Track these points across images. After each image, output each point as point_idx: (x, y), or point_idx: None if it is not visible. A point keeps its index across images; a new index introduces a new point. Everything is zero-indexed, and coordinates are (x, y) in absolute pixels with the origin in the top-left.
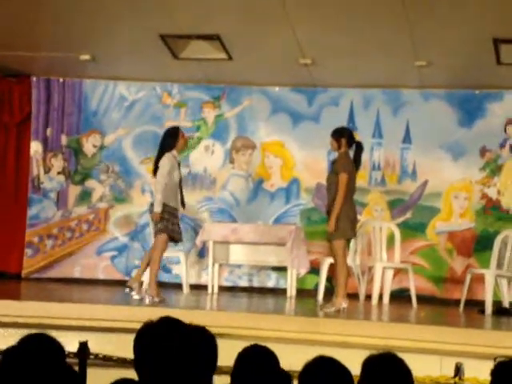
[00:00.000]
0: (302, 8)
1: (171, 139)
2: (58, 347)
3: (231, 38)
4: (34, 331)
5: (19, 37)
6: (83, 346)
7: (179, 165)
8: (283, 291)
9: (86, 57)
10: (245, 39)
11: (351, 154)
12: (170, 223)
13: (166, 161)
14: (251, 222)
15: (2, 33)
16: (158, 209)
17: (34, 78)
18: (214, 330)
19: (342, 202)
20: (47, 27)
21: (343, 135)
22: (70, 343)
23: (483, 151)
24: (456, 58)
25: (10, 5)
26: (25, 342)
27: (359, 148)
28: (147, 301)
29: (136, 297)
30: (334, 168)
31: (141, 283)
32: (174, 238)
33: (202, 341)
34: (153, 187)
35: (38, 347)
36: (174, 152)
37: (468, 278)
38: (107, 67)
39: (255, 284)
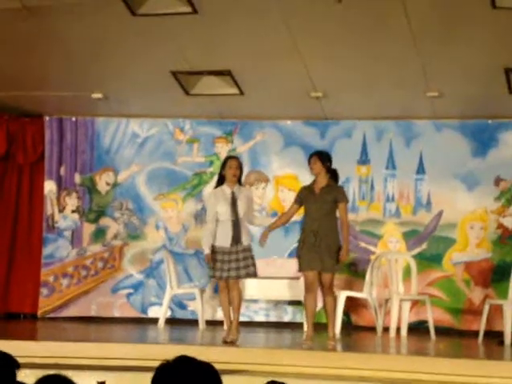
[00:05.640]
0: (313, 42)
1: (220, 170)
2: None
3: (242, 73)
4: (50, 372)
5: (31, 76)
6: None
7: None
8: (300, 325)
9: (97, 95)
10: (256, 74)
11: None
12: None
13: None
14: (266, 256)
15: (14, 73)
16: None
17: (47, 118)
18: (231, 367)
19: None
20: (59, 66)
21: (329, 160)
22: (87, 383)
23: (497, 181)
24: (468, 88)
25: (22, 44)
26: (41, 383)
27: (336, 176)
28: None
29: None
30: (333, 196)
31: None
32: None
33: (208, 378)
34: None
35: None
36: (224, 185)
37: (486, 308)
38: (119, 105)
39: (272, 319)
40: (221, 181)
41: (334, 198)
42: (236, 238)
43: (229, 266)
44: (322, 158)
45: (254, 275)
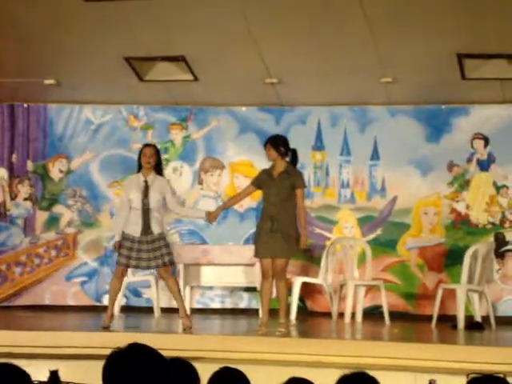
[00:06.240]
0: (267, 28)
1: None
2: (24, 377)
3: (197, 59)
4: (1, 361)
5: None
6: (54, 374)
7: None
8: (256, 312)
9: (50, 81)
10: (210, 60)
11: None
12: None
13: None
14: (222, 243)
15: None
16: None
17: None
18: (186, 354)
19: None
20: (11, 52)
21: (284, 144)
22: (40, 372)
23: (451, 166)
24: (421, 74)
25: None
26: None
27: (296, 157)
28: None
29: None
30: (291, 181)
31: None
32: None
33: (185, 374)
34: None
35: (4, 378)
36: (140, 173)
37: (439, 293)
38: (72, 91)
39: (227, 305)
40: (139, 169)
41: (292, 184)
42: (146, 228)
43: (138, 256)
44: (275, 144)
45: (170, 264)
